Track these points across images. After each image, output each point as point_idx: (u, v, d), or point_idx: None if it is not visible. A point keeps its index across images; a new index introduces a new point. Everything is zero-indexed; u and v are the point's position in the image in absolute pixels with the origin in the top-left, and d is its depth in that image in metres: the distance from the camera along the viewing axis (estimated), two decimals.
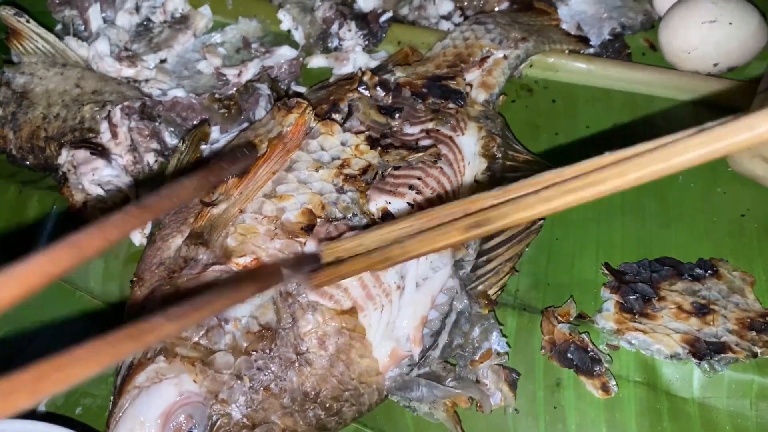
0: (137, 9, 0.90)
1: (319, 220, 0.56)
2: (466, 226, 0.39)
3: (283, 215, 0.57)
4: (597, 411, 0.57)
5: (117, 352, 0.31)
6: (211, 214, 0.57)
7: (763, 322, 0.57)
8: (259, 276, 0.49)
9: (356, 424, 0.58)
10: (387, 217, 0.59)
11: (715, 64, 0.75)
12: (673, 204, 0.68)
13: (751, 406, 0.55)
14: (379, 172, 0.61)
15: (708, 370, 0.56)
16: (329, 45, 0.86)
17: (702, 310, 0.58)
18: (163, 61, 0.85)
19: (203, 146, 0.73)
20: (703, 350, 0.56)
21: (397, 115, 0.67)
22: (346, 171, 0.60)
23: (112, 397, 0.52)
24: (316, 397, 0.51)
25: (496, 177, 0.67)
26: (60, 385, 0.28)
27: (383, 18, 0.85)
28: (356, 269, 0.47)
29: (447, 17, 0.86)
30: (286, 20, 0.87)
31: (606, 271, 0.63)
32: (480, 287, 0.60)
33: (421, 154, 0.62)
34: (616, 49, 0.81)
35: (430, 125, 0.66)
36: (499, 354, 0.57)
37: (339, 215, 0.57)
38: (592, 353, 0.57)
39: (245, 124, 0.77)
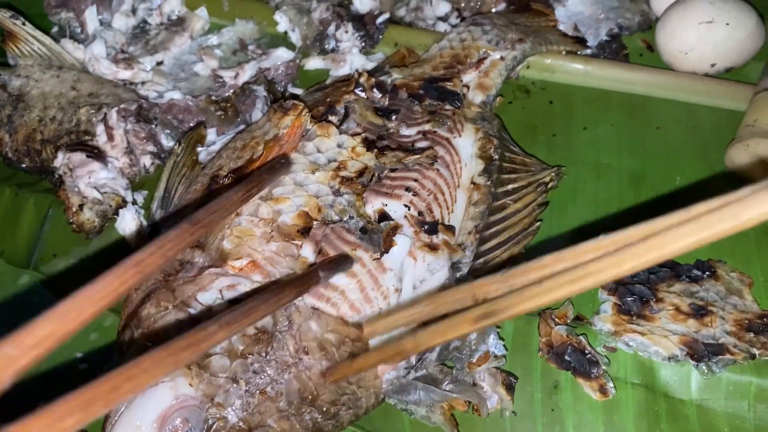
0: (134, 11, 0.90)
1: (315, 222, 0.56)
2: (476, 317, 0.42)
3: (279, 218, 0.56)
4: (595, 413, 0.57)
5: (178, 360, 0.33)
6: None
7: (761, 323, 0.57)
8: (299, 280, 0.51)
9: (353, 427, 0.58)
10: (383, 218, 0.58)
11: (713, 65, 0.75)
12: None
13: (749, 408, 0.55)
14: (376, 174, 0.61)
15: (706, 371, 0.56)
16: (326, 47, 0.86)
17: (700, 312, 0.58)
18: (159, 63, 0.85)
19: (199, 149, 0.73)
20: (700, 352, 0.55)
21: (393, 117, 0.67)
22: (343, 173, 0.60)
23: None
24: (313, 400, 0.51)
25: (493, 180, 0.67)
26: (130, 394, 0.30)
27: (380, 19, 0.85)
28: (370, 363, 0.51)
29: (444, 18, 0.86)
30: (282, 22, 0.87)
31: None
32: None
33: (417, 156, 0.62)
34: (613, 49, 0.81)
35: (427, 127, 0.66)
36: (496, 357, 0.57)
37: (335, 218, 0.57)
38: (589, 355, 0.57)
39: (242, 126, 0.77)
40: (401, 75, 0.73)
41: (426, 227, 0.59)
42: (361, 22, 0.85)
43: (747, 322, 0.57)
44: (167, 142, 0.78)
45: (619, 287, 0.60)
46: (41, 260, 0.73)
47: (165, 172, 0.68)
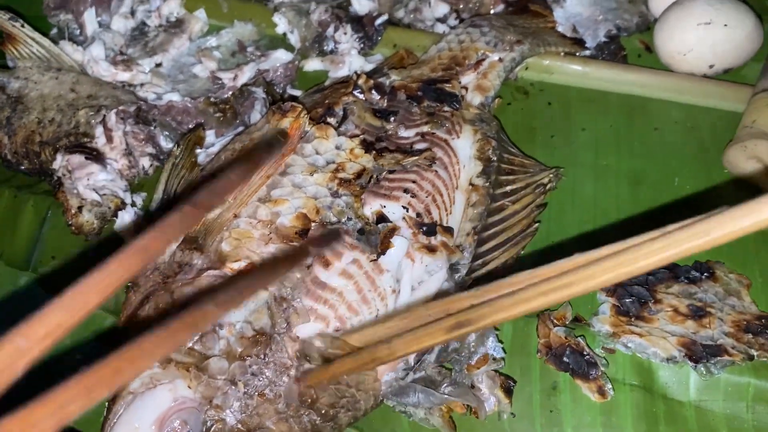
0: (132, 13, 0.90)
1: (313, 224, 0.56)
2: (449, 326, 0.42)
3: (277, 219, 0.56)
4: (593, 415, 0.57)
5: (178, 340, 0.33)
6: (206, 219, 0.57)
7: (759, 324, 0.57)
8: (290, 254, 0.52)
9: (352, 429, 0.58)
10: (381, 220, 0.58)
11: (711, 66, 0.75)
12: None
13: (748, 409, 0.55)
14: (374, 176, 0.61)
15: (704, 373, 0.56)
16: (325, 48, 0.86)
17: (698, 313, 0.58)
18: (158, 65, 0.85)
19: (198, 150, 0.73)
20: (699, 353, 0.55)
21: (392, 119, 0.67)
22: (341, 175, 0.60)
23: (106, 403, 0.52)
24: (311, 403, 0.51)
25: (491, 182, 0.67)
26: (132, 376, 0.31)
27: (378, 21, 0.85)
28: (345, 369, 0.50)
29: (442, 20, 0.86)
30: (281, 23, 0.87)
31: None
32: None
33: (416, 157, 0.62)
34: (611, 51, 0.81)
35: (425, 128, 0.66)
36: (495, 359, 0.57)
37: (334, 219, 0.57)
38: (588, 357, 0.57)
39: (240, 128, 0.77)
40: (400, 76, 0.73)
41: (424, 229, 0.59)
42: (360, 23, 0.85)
43: (745, 323, 0.57)
44: (166, 144, 0.78)
45: (618, 289, 0.60)
46: (40, 262, 0.73)
47: (164, 173, 0.68)
